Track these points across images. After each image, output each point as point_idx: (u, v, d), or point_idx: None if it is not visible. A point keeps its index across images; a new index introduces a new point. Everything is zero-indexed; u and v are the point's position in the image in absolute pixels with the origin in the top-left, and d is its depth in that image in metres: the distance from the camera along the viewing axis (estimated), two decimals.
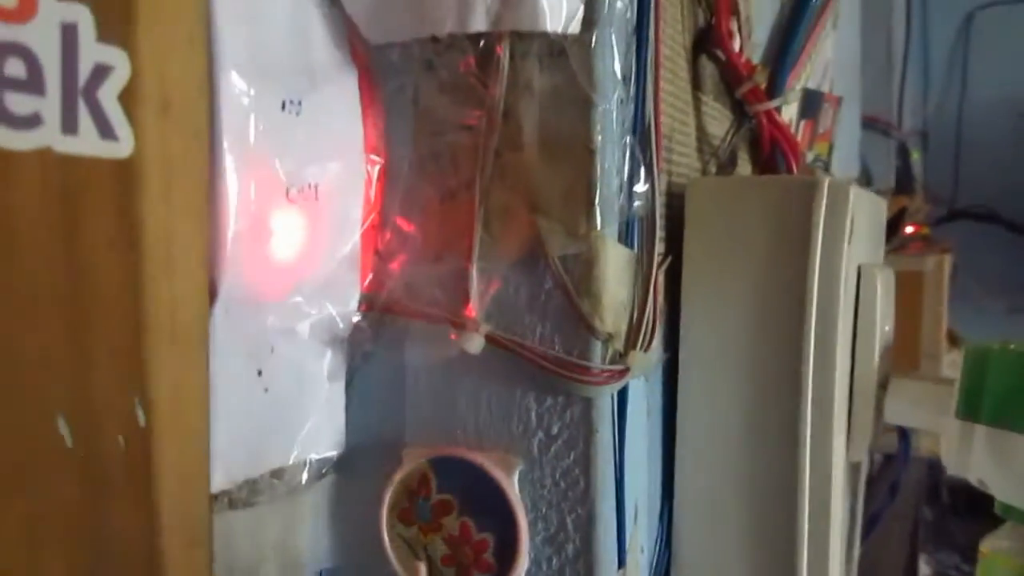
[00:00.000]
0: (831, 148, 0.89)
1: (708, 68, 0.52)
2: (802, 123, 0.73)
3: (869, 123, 2.07)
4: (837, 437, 0.44)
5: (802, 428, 0.42)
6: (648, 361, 0.39)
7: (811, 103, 0.74)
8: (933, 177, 2.73)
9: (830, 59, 0.83)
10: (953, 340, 2.13)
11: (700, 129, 0.51)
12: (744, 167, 0.58)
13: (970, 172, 2.72)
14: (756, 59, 0.60)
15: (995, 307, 2.73)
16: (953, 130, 2.73)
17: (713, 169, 0.54)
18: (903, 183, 2.26)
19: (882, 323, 0.47)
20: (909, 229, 1.11)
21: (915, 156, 2.50)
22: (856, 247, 0.45)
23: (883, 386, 0.48)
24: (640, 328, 0.39)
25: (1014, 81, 2.74)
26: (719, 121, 0.54)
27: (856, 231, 0.45)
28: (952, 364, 1.98)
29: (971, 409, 0.44)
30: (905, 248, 1.10)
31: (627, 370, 0.38)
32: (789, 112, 0.69)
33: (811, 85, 0.77)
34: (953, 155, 2.74)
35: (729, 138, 0.54)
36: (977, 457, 0.44)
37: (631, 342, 0.38)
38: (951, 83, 2.76)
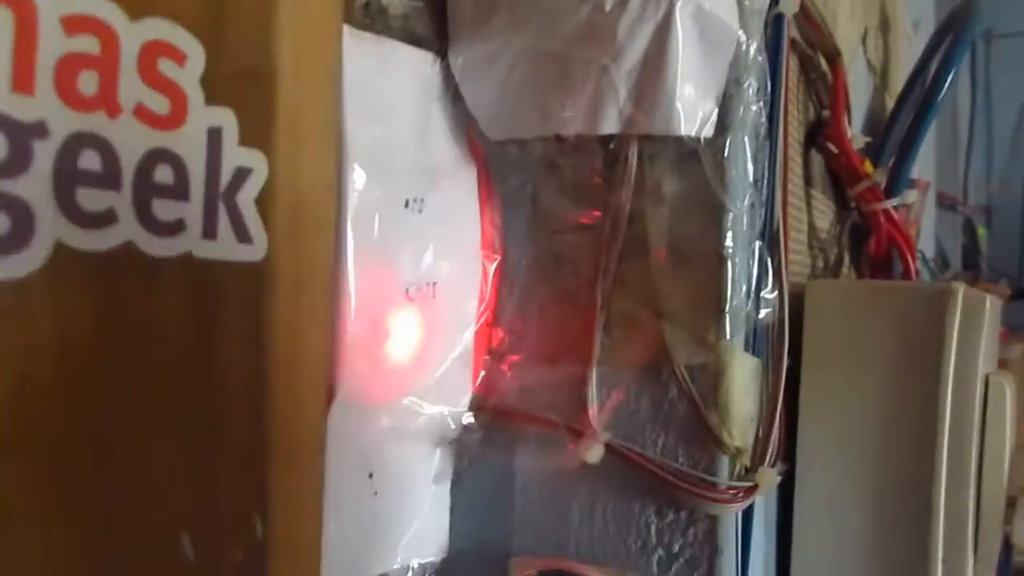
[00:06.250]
0: (918, 234, 0.87)
1: (816, 160, 0.51)
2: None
3: (937, 200, 2.03)
4: (968, 562, 0.41)
5: (933, 554, 0.40)
6: (775, 478, 0.37)
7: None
8: (997, 254, 2.67)
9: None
10: None
11: (811, 225, 0.50)
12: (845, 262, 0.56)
13: None
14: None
15: None
16: (1019, 207, 2.68)
17: (821, 264, 0.52)
18: (969, 260, 2.21)
19: (1010, 436, 0.45)
20: None
21: (981, 233, 2.45)
22: (984, 355, 0.43)
23: (1012, 504, 0.45)
24: (768, 442, 0.37)
25: None
26: (825, 215, 0.53)
27: (985, 338, 0.42)
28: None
29: None
30: None
31: (755, 487, 0.36)
32: None
33: None
34: (1019, 232, 2.68)
35: (839, 235, 0.52)
36: None
37: (759, 457, 0.37)
38: (1015, 159, 2.72)
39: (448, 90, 0.39)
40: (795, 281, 0.45)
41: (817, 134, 0.49)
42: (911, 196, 0.48)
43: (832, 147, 0.48)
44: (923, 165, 1.31)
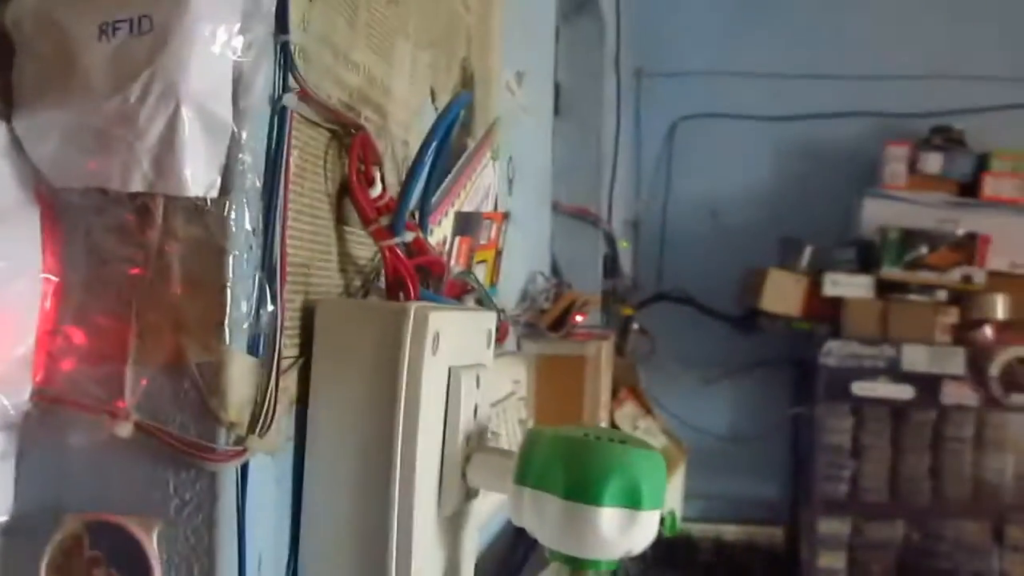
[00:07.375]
0: (498, 254, 1.07)
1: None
2: (458, 239, 0.90)
3: (579, 215, 2.36)
4: (423, 496, 0.58)
5: (392, 491, 0.56)
6: (267, 443, 0.52)
7: (467, 223, 0.91)
8: (643, 264, 3.11)
9: (492, 183, 1.01)
10: (648, 410, 2.42)
11: (344, 255, 0.65)
12: None
13: (672, 260, 3.13)
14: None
15: (690, 379, 3.13)
16: (659, 223, 3.14)
17: (358, 284, 0.68)
18: (610, 269, 2.56)
19: (467, 411, 0.63)
20: (579, 319, 1.32)
21: (624, 245, 2.83)
22: (448, 355, 0.61)
23: (469, 459, 0.63)
24: (257, 419, 0.51)
25: (709, 183, 3.20)
26: (368, 246, 0.69)
27: (448, 343, 0.60)
28: (646, 432, 2.25)
29: (523, 476, 0.60)
30: (573, 335, 1.31)
31: (245, 451, 0.50)
32: (443, 232, 0.86)
33: (471, 207, 0.95)
34: (659, 245, 3.14)
35: (372, 261, 0.68)
36: (528, 513, 0.60)
37: (250, 429, 0.51)
38: (658, 182, 3.18)
39: (14, 147, 0.50)
40: (319, 299, 0.60)
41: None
42: (409, 236, 0.64)
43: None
44: (537, 187, 1.56)
